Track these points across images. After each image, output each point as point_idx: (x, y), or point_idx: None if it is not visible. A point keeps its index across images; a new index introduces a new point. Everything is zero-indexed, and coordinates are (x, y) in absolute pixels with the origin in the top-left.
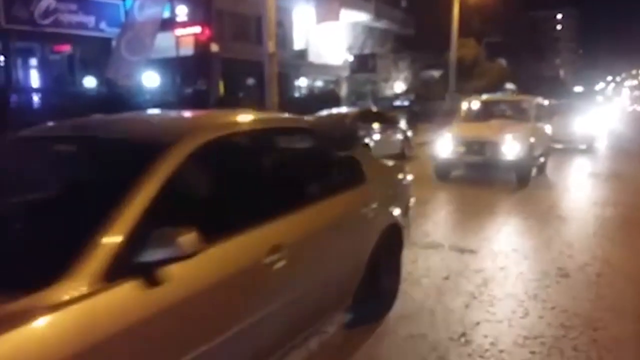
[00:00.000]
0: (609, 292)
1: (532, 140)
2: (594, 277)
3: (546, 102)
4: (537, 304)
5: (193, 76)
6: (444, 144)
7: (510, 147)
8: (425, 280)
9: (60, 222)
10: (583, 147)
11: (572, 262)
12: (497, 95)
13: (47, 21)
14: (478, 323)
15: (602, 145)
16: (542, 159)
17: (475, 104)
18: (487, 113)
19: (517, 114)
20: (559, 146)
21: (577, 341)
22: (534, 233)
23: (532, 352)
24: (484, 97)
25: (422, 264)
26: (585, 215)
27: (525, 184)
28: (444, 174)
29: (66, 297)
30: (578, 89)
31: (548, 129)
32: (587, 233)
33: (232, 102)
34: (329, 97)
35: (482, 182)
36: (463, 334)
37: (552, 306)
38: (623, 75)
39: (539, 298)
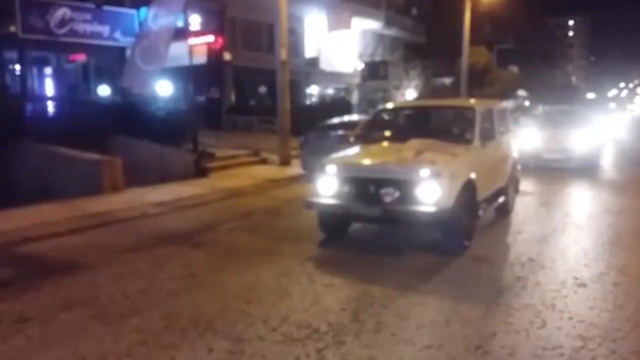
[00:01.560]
0: (626, 302)
1: (472, 175)
2: (611, 286)
3: (510, 105)
4: (554, 314)
5: (206, 84)
6: (324, 182)
7: (428, 190)
8: (441, 290)
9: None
10: (583, 165)
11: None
12: (423, 101)
13: (62, 31)
14: (495, 334)
15: (609, 162)
16: (500, 199)
17: (389, 113)
18: (406, 128)
19: (457, 130)
20: (553, 164)
21: (595, 352)
22: None
23: None
24: (403, 101)
25: (437, 275)
26: None
27: (456, 249)
28: (331, 229)
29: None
30: (590, 95)
31: (512, 148)
32: None
33: (243, 110)
34: (340, 105)
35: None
36: (480, 345)
37: (570, 316)
38: (636, 81)
39: (557, 308)
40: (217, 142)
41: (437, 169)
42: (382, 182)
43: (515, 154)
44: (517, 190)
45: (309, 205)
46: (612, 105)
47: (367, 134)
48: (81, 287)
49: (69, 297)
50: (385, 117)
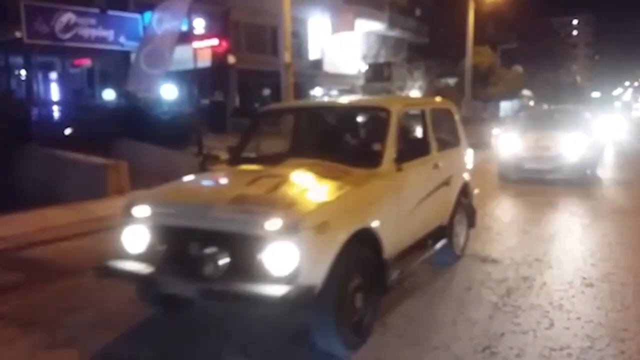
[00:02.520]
0: (634, 302)
1: (372, 222)
2: (619, 286)
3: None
4: (562, 315)
5: (210, 88)
6: (130, 232)
7: (278, 254)
8: (447, 291)
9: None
10: (576, 176)
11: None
12: (319, 100)
13: (67, 36)
14: (502, 334)
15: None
16: (439, 244)
17: (272, 117)
18: (294, 140)
19: (362, 145)
20: (538, 175)
21: (604, 353)
22: None
23: None
24: (292, 101)
25: (443, 275)
26: None
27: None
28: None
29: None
30: (595, 94)
31: (462, 165)
32: None
33: (248, 112)
34: None
35: None
36: (487, 346)
37: (577, 316)
38: None
39: (564, 308)
40: (222, 145)
41: (295, 217)
42: (205, 238)
43: (466, 174)
44: (472, 224)
45: (103, 271)
46: (617, 104)
47: (239, 150)
48: (86, 291)
49: (75, 301)
50: (268, 124)
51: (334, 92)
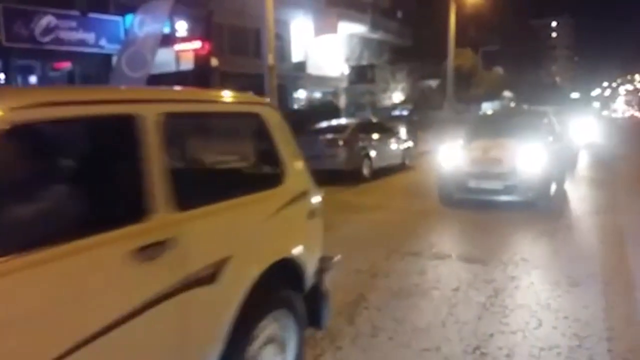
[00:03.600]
0: (619, 300)
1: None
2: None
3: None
4: (550, 314)
5: None
6: None
7: None
8: (435, 292)
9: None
10: (535, 197)
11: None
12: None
13: (47, 39)
14: (492, 335)
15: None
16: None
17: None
18: None
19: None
20: (486, 196)
21: (592, 351)
22: None
23: None
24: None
25: (430, 276)
26: None
27: None
28: None
29: None
30: (575, 95)
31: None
32: None
33: None
34: (328, 109)
35: None
36: (477, 347)
37: (565, 316)
38: (619, 80)
39: (552, 308)
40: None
41: None
42: None
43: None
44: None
45: None
46: (596, 104)
47: None
48: None
49: None
50: None
51: (318, 95)
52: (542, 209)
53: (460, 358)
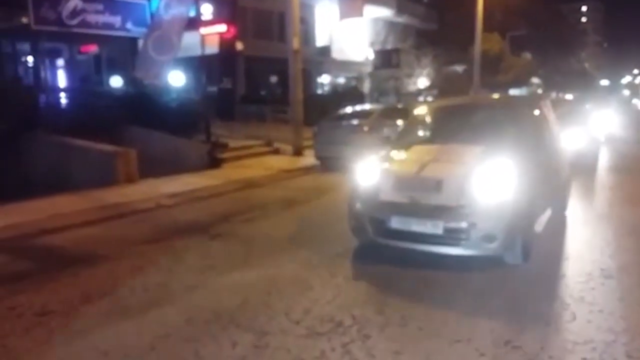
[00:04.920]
0: None
1: None
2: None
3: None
4: (584, 307)
5: (218, 74)
6: None
7: None
8: (464, 283)
9: None
10: (488, 250)
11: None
12: None
13: (74, 22)
14: (524, 327)
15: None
16: None
17: None
18: None
19: None
20: (407, 242)
21: (629, 347)
22: None
23: (584, 359)
24: None
25: (461, 267)
26: None
27: None
28: None
29: None
30: (604, 82)
31: None
32: None
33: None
34: (352, 94)
35: None
36: (509, 340)
37: (599, 309)
38: None
39: (586, 301)
40: (230, 133)
41: None
42: None
43: None
44: None
45: None
46: (626, 92)
47: None
48: (100, 279)
49: (88, 289)
50: None
51: (342, 80)
52: (518, 270)
53: (491, 350)
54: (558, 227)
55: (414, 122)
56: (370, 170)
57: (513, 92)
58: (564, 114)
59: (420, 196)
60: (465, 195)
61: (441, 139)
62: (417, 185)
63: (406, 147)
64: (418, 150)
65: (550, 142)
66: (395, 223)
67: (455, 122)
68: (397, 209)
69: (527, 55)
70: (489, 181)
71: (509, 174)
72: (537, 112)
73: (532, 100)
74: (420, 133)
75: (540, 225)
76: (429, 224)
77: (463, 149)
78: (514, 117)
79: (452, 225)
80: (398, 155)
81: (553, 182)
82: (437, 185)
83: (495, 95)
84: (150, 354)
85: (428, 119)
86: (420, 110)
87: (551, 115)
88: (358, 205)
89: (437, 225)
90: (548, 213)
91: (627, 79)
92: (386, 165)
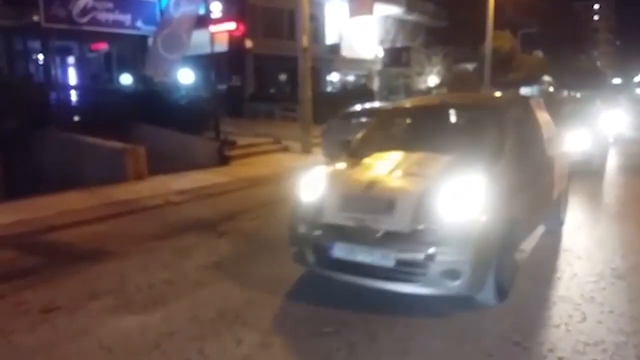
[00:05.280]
0: None
1: None
2: None
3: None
4: (594, 307)
5: (227, 72)
6: None
7: None
8: None
9: None
10: (452, 288)
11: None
12: None
13: (84, 20)
14: (533, 328)
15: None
16: None
17: None
18: None
19: None
20: (350, 278)
21: None
22: None
23: None
24: None
25: None
26: None
27: None
28: None
29: None
30: (616, 80)
31: None
32: None
33: (264, 97)
34: (362, 92)
35: None
36: (518, 341)
37: (610, 310)
38: None
39: (596, 301)
40: (239, 130)
41: None
42: None
43: None
44: None
45: None
46: (638, 90)
47: None
48: (107, 276)
49: (95, 286)
50: None
51: (351, 78)
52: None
53: (499, 351)
54: (569, 226)
55: (378, 125)
56: (314, 185)
57: (524, 90)
58: (571, 114)
59: (369, 219)
60: (422, 218)
61: (405, 146)
62: (365, 205)
63: (363, 155)
64: (374, 160)
65: (539, 148)
66: (339, 251)
67: (424, 126)
68: (341, 234)
69: (539, 53)
70: (454, 201)
71: (479, 191)
72: (521, 113)
73: (516, 100)
74: (384, 138)
75: (525, 250)
76: (377, 254)
77: (427, 158)
78: (493, 120)
79: (406, 256)
80: (350, 166)
81: (542, 195)
82: (388, 206)
83: (475, 94)
84: (155, 352)
85: (394, 122)
86: (386, 111)
87: (544, 117)
88: (299, 228)
89: (387, 256)
90: (540, 230)
91: (639, 78)
92: (334, 179)
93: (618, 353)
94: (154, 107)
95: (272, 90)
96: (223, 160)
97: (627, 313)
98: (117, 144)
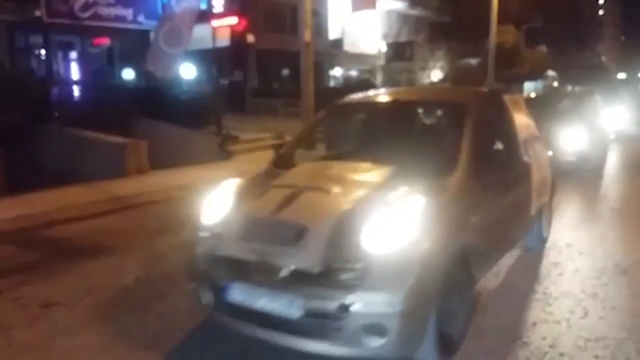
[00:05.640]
0: None
1: None
2: None
3: None
4: (596, 303)
5: (229, 67)
6: None
7: None
8: None
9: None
10: (377, 349)
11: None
12: None
13: (86, 14)
14: (534, 323)
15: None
16: None
17: None
18: None
19: None
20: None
21: None
22: None
23: (596, 356)
24: None
25: None
26: None
27: None
28: None
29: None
30: (621, 75)
31: None
32: None
33: (266, 92)
34: (365, 87)
35: None
36: (519, 336)
37: (612, 305)
38: None
39: (598, 297)
40: (241, 125)
41: None
42: None
43: None
44: None
45: None
46: None
47: None
48: (106, 271)
49: (94, 281)
50: None
51: (354, 72)
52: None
53: (500, 347)
54: (571, 222)
55: (317, 125)
56: (219, 203)
57: (528, 85)
58: (567, 109)
59: (272, 252)
60: (338, 253)
61: (343, 152)
62: (270, 234)
63: (290, 163)
64: (300, 171)
65: (512, 154)
66: (237, 294)
67: (372, 126)
68: (239, 270)
69: (543, 48)
70: (382, 228)
71: (417, 213)
72: (491, 113)
73: (484, 97)
74: (323, 141)
75: (497, 274)
76: (283, 300)
77: (362, 170)
78: (452, 120)
79: (317, 304)
80: (266, 178)
81: (515, 212)
82: (297, 235)
83: (438, 88)
84: (154, 347)
85: (339, 120)
86: (331, 107)
87: (521, 118)
88: (195, 258)
89: (293, 304)
90: (515, 253)
91: None
92: (241, 196)
93: (619, 349)
94: (156, 102)
95: (274, 85)
96: (225, 155)
97: (629, 309)
98: (118, 139)
